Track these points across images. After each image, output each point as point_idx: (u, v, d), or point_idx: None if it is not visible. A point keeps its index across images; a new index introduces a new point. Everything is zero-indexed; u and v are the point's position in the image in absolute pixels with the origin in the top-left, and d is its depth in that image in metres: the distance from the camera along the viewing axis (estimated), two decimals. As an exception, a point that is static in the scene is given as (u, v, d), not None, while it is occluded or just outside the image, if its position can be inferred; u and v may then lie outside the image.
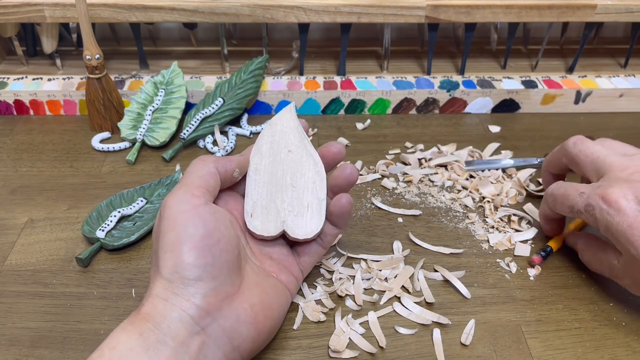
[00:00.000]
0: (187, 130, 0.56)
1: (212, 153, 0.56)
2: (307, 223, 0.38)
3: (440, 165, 0.54)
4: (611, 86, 0.64)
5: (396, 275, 0.43)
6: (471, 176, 0.53)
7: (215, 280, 0.32)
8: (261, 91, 0.61)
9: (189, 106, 0.61)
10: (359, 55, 0.70)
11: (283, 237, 0.39)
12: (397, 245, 0.45)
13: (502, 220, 0.48)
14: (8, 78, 0.63)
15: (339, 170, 0.39)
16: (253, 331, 0.33)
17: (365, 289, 0.42)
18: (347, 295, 0.41)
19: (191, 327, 0.30)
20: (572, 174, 0.46)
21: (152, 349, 0.29)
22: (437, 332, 0.39)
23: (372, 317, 0.40)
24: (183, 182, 0.35)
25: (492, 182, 0.52)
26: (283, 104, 0.62)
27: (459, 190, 0.51)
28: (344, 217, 0.38)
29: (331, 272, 0.43)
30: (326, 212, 0.38)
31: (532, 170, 0.53)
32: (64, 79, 0.63)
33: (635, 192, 0.36)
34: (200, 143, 0.57)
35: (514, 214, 0.49)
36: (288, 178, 0.39)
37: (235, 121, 0.61)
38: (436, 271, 0.43)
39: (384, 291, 0.42)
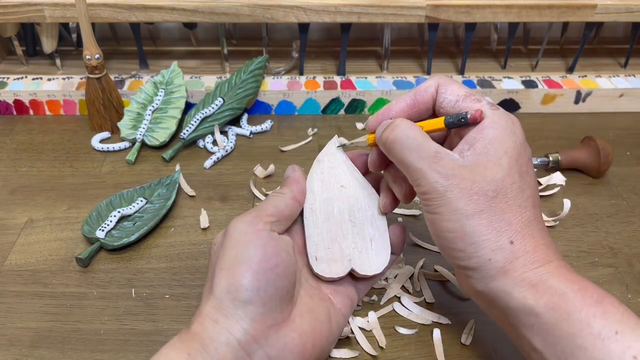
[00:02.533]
0: (187, 130, 0.56)
1: (212, 153, 0.56)
2: (374, 258, 0.37)
3: (440, 165, 0.54)
4: (611, 86, 0.64)
5: (396, 275, 0.43)
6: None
7: (265, 306, 0.31)
8: (261, 91, 0.61)
9: (189, 106, 0.61)
10: (359, 55, 0.70)
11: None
12: (397, 245, 0.45)
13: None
14: (8, 78, 0.63)
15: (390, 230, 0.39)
16: None
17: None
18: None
19: (237, 352, 0.30)
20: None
21: None
22: (437, 332, 0.39)
23: (372, 317, 0.40)
24: (256, 209, 0.35)
25: (492, 182, 0.51)
26: (283, 103, 0.62)
27: (459, 190, 0.51)
28: (401, 244, 0.39)
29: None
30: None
31: (532, 170, 0.53)
32: (63, 79, 0.63)
33: None
34: (200, 143, 0.57)
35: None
36: (346, 214, 0.38)
37: (235, 121, 0.61)
38: (436, 271, 0.43)
39: (384, 289, 0.42)
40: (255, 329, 0.30)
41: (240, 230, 0.33)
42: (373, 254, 0.37)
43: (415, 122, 0.35)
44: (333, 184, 0.39)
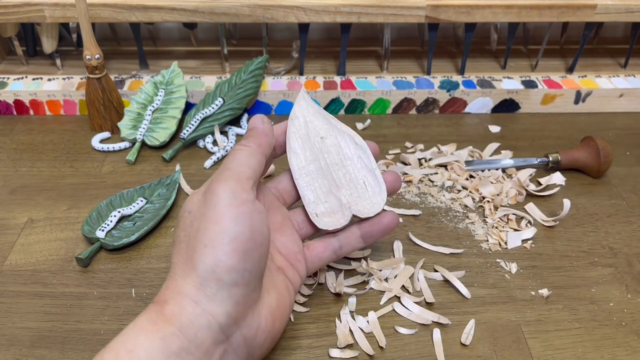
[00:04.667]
0: (187, 130, 0.56)
1: (212, 153, 0.56)
2: (372, 198, 0.37)
3: (440, 165, 0.54)
4: (611, 86, 0.64)
5: (396, 275, 0.43)
6: (471, 176, 0.53)
7: (248, 287, 0.30)
8: (261, 91, 0.61)
9: (189, 106, 0.61)
10: (359, 55, 0.70)
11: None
12: (397, 245, 0.45)
13: (501, 220, 0.48)
14: (8, 78, 0.63)
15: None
16: (269, 339, 0.32)
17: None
18: (345, 293, 0.41)
19: (217, 335, 0.29)
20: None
21: (175, 357, 0.27)
22: (437, 332, 0.39)
23: (372, 317, 0.40)
24: (234, 171, 0.31)
25: (492, 182, 0.52)
26: (283, 104, 0.62)
27: (459, 190, 0.51)
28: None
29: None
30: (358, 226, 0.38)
31: (532, 170, 0.53)
32: (64, 79, 0.63)
33: None
34: (200, 143, 0.57)
35: (514, 214, 0.49)
36: (334, 164, 0.38)
37: (235, 121, 0.61)
38: (436, 271, 0.43)
39: (384, 291, 0.42)
40: (237, 311, 0.30)
41: (225, 200, 0.30)
42: (370, 194, 0.37)
43: None
44: (313, 138, 0.39)
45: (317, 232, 0.39)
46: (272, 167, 0.53)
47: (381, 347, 0.38)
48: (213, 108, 0.57)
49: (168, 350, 0.27)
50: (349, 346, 0.38)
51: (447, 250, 0.45)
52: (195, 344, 0.28)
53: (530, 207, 0.49)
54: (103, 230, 0.44)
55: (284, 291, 0.34)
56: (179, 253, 0.31)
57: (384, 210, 0.38)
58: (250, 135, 0.35)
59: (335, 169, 0.38)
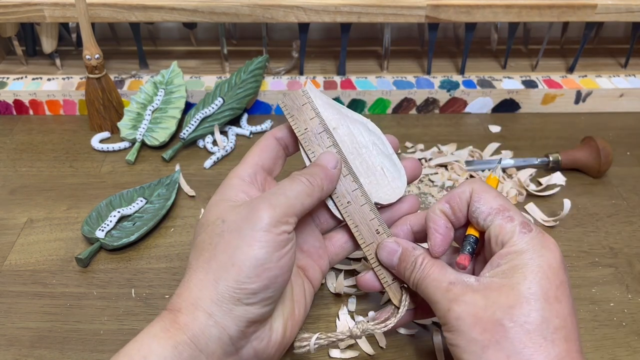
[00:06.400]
0: (187, 130, 0.56)
1: (212, 153, 0.56)
2: (390, 184, 0.37)
3: (441, 165, 0.54)
4: (611, 86, 0.64)
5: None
6: (471, 176, 0.53)
7: (264, 308, 0.31)
8: (261, 91, 0.61)
9: (188, 106, 0.61)
10: (359, 55, 0.70)
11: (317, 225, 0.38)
12: (397, 245, 0.45)
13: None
14: (8, 78, 0.63)
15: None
16: (280, 349, 0.33)
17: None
18: (345, 294, 0.41)
19: (227, 347, 0.30)
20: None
21: None
22: (437, 333, 0.39)
23: (372, 317, 0.40)
24: (287, 201, 0.32)
25: (492, 182, 0.52)
26: (283, 103, 0.62)
27: (459, 190, 0.51)
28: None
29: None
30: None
31: (532, 170, 0.53)
32: (63, 78, 0.63)
33: None
34: (200, 143, 0.57)
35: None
36: (349, 154, 0.38)
37: (235, 121, 0.61)
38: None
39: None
40: (249, 327, 0.30)
41: (265, 226, 0.30)
42: (390, 180, 0.37)
43: (455, 229, 0.34)
44: None
45: (338, 225, 0.39)
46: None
47: (381, 347, 0.38)
48: (213, 108, 0.57)
49: (180, 358, 0.28)
50: (349, 346, 0.38)
51: (447, 250, 0.45)
52: (207, 354, 0.29)
53: (531, 207, 0.49)
54: (103, 231, 0.44)
55: (299, 297, 0.35)
56: (198, 260, 0.31)
57: (404, 194, 0.38)
58: (318, 173, 0.34)
59: (351, 158, 0.38)
